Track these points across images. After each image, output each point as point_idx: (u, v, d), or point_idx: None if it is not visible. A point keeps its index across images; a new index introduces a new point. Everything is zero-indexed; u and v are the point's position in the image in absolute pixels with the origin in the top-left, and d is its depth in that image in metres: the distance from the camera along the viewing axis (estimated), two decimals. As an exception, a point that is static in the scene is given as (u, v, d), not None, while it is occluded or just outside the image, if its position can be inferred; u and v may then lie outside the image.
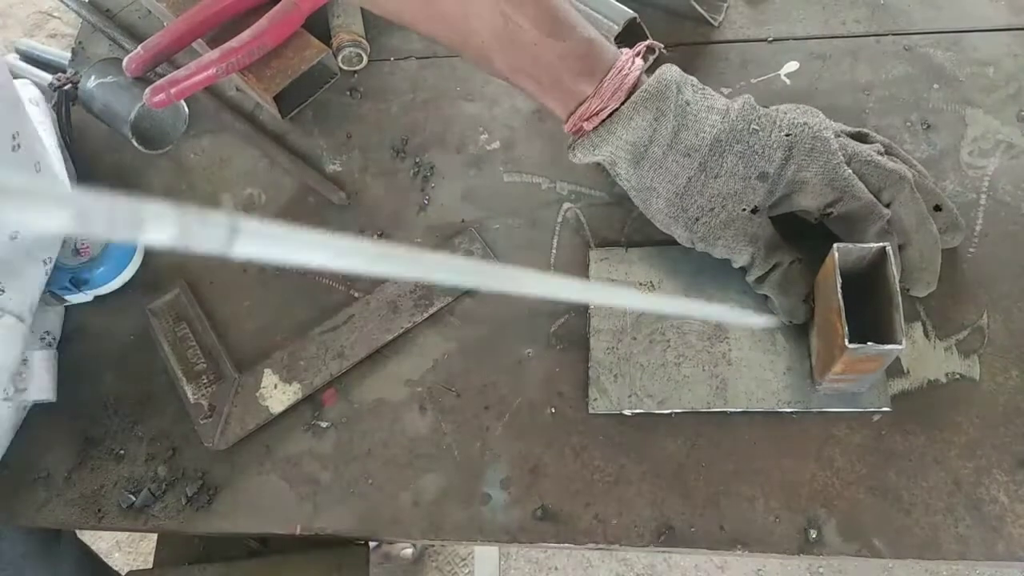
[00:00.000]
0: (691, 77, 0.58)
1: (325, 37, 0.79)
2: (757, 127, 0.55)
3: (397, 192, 0.75)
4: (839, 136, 0.57)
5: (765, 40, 0.75)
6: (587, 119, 0.55)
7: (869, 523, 0.55)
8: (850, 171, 0.55)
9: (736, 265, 0.58)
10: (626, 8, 0.72)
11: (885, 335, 0.50)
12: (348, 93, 0.81)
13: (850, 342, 0.50)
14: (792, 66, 0.73)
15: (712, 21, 0.76)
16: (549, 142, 0.74)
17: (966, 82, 0.69)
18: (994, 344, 0.59)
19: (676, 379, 0.61)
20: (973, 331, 0.60)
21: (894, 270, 0.51)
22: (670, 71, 0.56)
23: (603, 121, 0.55)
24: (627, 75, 0.55)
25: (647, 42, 0.60)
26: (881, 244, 0.52)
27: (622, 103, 0.55)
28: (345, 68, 0.81)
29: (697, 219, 0.56)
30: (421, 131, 0.77)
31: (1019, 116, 0.67)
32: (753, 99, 0.58)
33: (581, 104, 0.55)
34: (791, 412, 0.59)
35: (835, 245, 0.52)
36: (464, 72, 0.80)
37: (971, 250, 0.63)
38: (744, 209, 0.55)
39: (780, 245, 0.57)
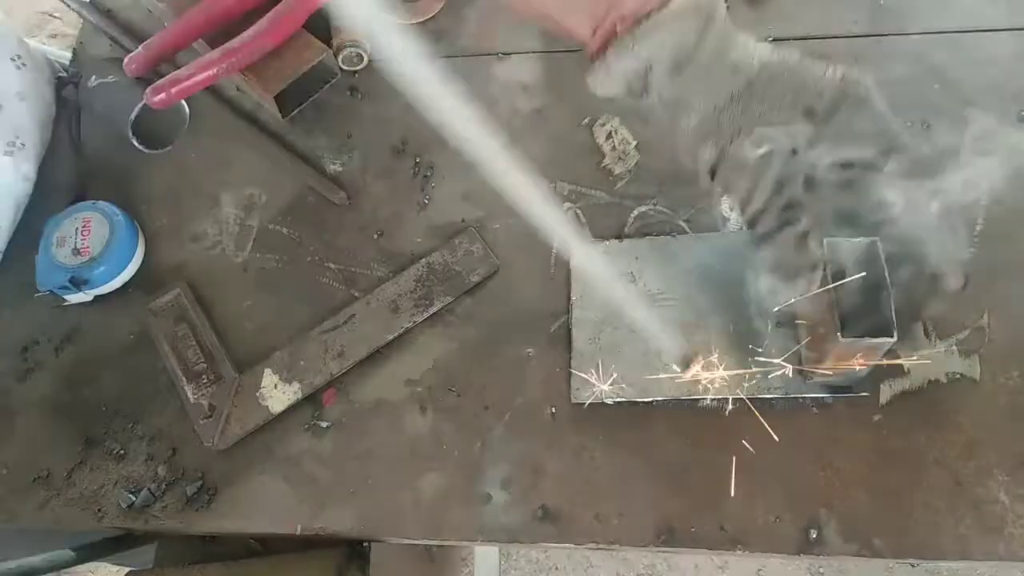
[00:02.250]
0: None
1: (326, 37, 0.79)
2: (809, 65, 0.52)
3: (397, 192, 0.75)
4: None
5: (765, 40, 0.75)
6: (621, 21, 0.51)
7: (869, 523, 0.55)
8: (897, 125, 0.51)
9: (747, 209, 0.52)
10: (626, 8, 0.72)
11: (876, 328, 0.50)
12: (348, 93, 0.81)
13: (843, 336, 0.50)
14: (792, 66, 0.73)
15: (712, 21, 0.76)
16: (549, 142, 0.74)
17: (966, 82, 0.69)
18: (995, 344, 0.59)
19: (657, 368, 0.61)
20: (974, 331, 0.60)
21: (884, 263, 0.51)
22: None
23: (639, 22, 0.50)
24: None
25: None
26: (871, 238, 0.52)
27: (660, 6, 0.51)
28: (345, 68, 0.81)
29: (732, 139, 0.51)
30: (421, 131, 0.77)
31: (1019, 116, 0.67)
32: None
33: (611, 9, 0.51)
34: (772, 399, 0.59)
35: (824, 239, 0.52)
36: (465, 72, 0.80)
37: (971, 250, 0.63)
38: (783, 143, 0.51)
39: (802, 205, 0.52)
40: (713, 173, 0.53)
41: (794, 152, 0.51)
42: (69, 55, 0.91)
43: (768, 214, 0.52)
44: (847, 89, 0.51)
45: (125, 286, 0.75)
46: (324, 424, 0.66)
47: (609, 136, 0.73)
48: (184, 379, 0.68)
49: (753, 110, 0.51)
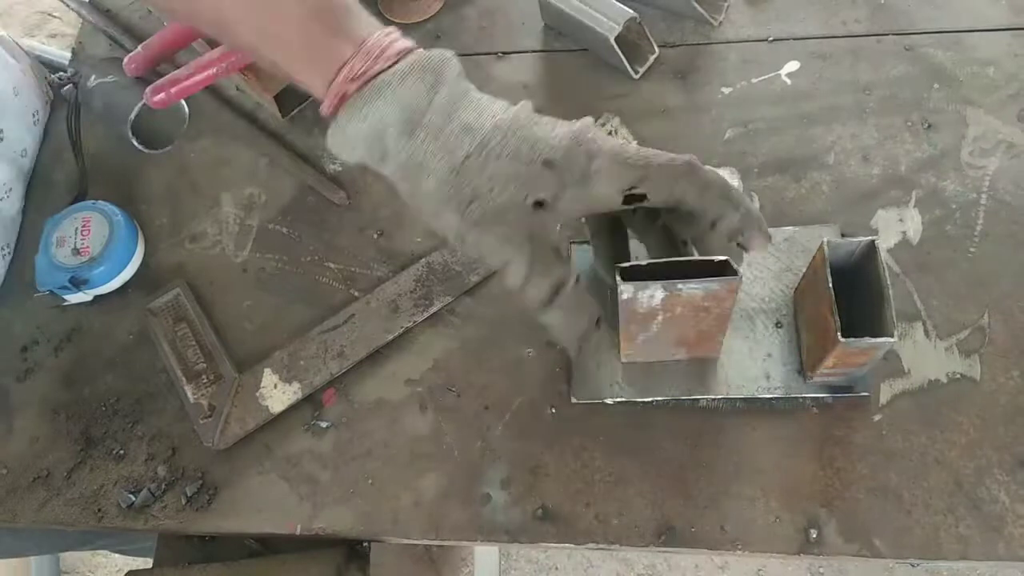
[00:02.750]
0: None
1: (325, 37, 0.79)
2: (541, 120, 0.50)
3: (397, 191, 0.75)
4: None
5: (765, 40, 0.75)
6: (352, 80, 0.48)
7: (869, 523, 0.55)
8: (643, 149, 0.50)
9: (511, 280, 0.50)
10: (626, 8, 0.72)
11: (876, 328, 0.50)
12: (348, 93, 0.81)
13: (843, 336, 0.50)
14: (793, 66, 0.73)
15: (712, 21, 0.76)
16: (549, 142, 0.74)
17: (966, 82, 0.69)
18: (995, 344, 0.59)
19: (657, 368, 0.61)
20: (974, 331, 0.60)
21: (883, 263, 0.51)
22: (450, 54, 0.50)
23: (370, 81, 0.48)
24: (394, 39, 0.49)
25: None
26: (870, 238, 0.52)
27: (392, 65, 0.48)
28: (345, 68, 0.81)
29: (471, 201, 0.48)
30: (421, 131, 0.77)
31: (1019, 116, 0.67)
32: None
33: (342, 68, 0.48)
34: (772, 399, 0.59)
35: (824, 239, 0.53)
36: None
37: (972, 250, 0.63)
38: (527, 197, 0.48)
39: (562, 259, 0.50)
40: (461, 241, 0.51)
41: (540, 204, 0.49)
42: (69, 55, 0.91)
43: (534, 278, 0.49)
44: (581, 132, 0.49)
45: (125, 286, 0.75)
46: (324, 424, 0.66)
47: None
48: (184, 379, 0.68)
49: (491, 167, 0.48)
